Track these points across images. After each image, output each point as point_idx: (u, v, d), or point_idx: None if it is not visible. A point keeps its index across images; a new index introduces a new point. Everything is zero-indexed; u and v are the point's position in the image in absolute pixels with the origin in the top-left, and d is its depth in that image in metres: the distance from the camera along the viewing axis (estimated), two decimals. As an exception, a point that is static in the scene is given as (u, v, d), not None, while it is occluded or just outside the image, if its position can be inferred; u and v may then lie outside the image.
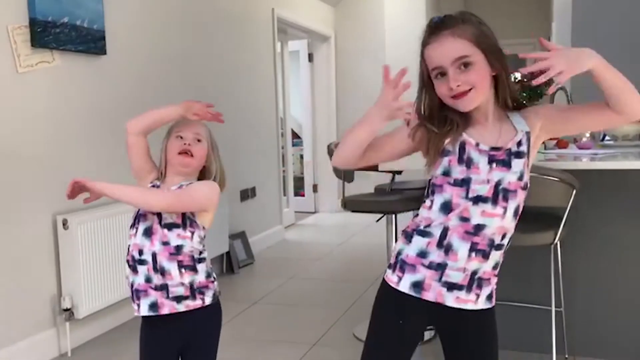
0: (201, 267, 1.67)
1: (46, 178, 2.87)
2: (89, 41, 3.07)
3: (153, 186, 1.69)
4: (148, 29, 3.64)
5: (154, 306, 1.63)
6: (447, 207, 1.37)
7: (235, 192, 4.78)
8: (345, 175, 2.87)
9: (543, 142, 2.91)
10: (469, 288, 1.39)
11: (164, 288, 1.62)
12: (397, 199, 2.86)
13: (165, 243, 1.62)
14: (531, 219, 2.44)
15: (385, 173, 3.20)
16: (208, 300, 1.68)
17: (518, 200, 1.38)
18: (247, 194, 4.97)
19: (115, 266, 3.07)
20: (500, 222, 1.36)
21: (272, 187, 5.53)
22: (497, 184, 1.35)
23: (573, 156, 2.59)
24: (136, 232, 1.64)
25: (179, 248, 1.63)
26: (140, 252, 1.62)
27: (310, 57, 6.98)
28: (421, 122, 1.40)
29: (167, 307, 1.63)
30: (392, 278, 1.43)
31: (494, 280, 1.43)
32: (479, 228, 1.36)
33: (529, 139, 1.39)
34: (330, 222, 6.56)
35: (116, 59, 3.31)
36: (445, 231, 1.37)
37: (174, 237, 1.62)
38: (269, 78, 5.42)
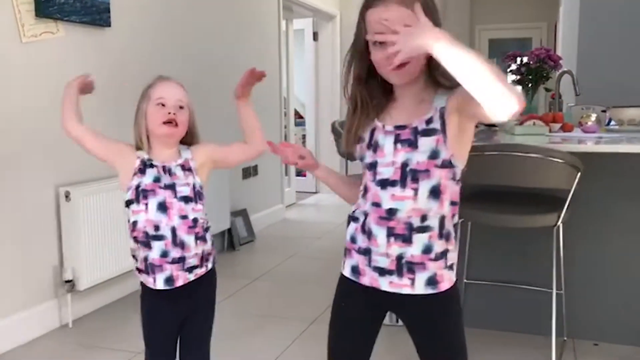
0: (208, 236, 1.70)
1: (49, 149, 2.86)
2: (94, 13, 3.05)
3: (144, 162, 1.63)
4: (153, 2, 3.61)
5: (169, 280, 1.64)
6: (365, 191, 1.37)
7: (237, 170, 4.77)
8: (348, 153, 2.86)
9: (547, 125, 2.92)
10: (399, 273, 1.33)
11: (181, 260, 1.63)
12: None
13: (184, 217, 1.62)
14: (534, 200, 2.44)
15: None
16: (209, 265, 1.72)
17: (434, 180, 1.29)
18: (249, 172, 4.97)
19: (117, 239, 3.07)
20: (412, 204, 1.30)
21: (274, 166, 5.53)
22: (404, 165, 1.29)
23: (578, 139, 2.58)
24: (146, 207, 1.60)
25: (195, 221, 1.65)
26: (157, 228, 1.60)
27: (315, 36, 6.93)
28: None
29: (182, 279, 1.65)
30: (342, 262, 1.45)
31: (434, 265, 1.33)
32: (391, 212, 1.31)
33: (442, 116, 1.27)
34: (331, 202, 6.56)
35: (120, 31, 3.29)
36: (366, 216, 1.35)
37: (191, 211, 1.63)
38: (273, 56, 5.39)
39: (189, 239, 1.63)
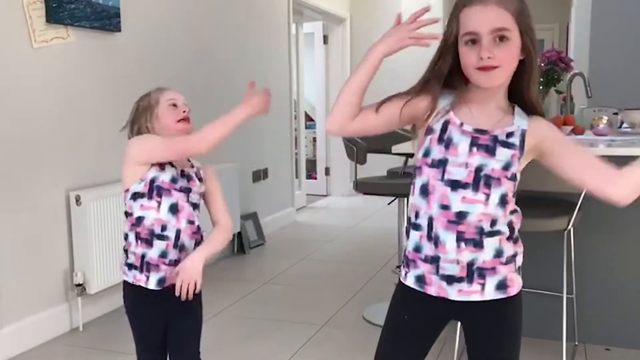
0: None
1: (60, 154, 2.88)
2: (104, 18, 3.07)
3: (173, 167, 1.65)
4: (162, 6, 3.63)
5: (161, 281, 1.65)
6: (425, 191, 1.31)
7: (248, 173, 4.78)
8: (358, 157, 2.86)
9: (559, 128, 2.90)
10: (469, 279, 1.31)
11: (176, 263, 1.64)
12: (409, 182, 2.84)
13: (191, 222, 1.65)
14: (545, 204, 2.42)
15: (399, 156, 3.19)
16: None
17: (504, 189, 1.29)
18: (259, 175, 4.97)
19: (127, 243, 3.09)
20: (483, 208, 1.29)
21: (285, 169, 5.53)
22: (478, 169, 1.28)
23: (589, 142, 2.56)
24: (159, 206, 1.62)
25: (199, 228, 1.69)
26: (163, 228, 1.62)
27: (325, 40, 6.93)
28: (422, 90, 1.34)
29: (170, 280, 1.65)
30: (402, 272, 1.42)
31: (504, 269, 1.33)
32: (461, 215, 1.29)
33: (523, 138, 1.30)
34: (342, 205, 6.56)
35: (130, 36, 3.30)
36: (430, 222, 1.31)
37: (196, 218, 1.67)
38: (283, 60, 5.40)
39: (190, 244, 1.66)
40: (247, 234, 4.53)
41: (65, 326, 2.93)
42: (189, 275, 1.59)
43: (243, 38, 4.62)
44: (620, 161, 2.41)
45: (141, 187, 1.63)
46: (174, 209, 1.63)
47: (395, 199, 2.94)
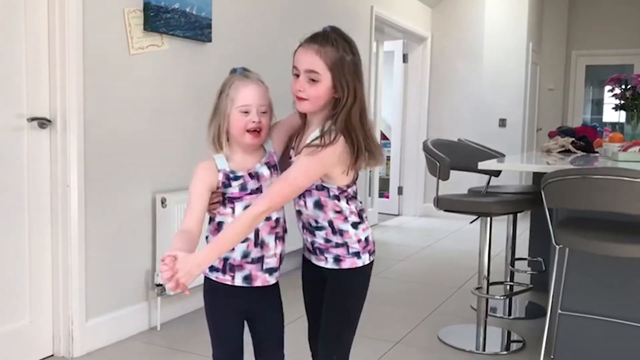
0: (286, 238, 1.71)
1: (148, 157, 2.98)
2: (196, 28, 3.17)
3: (228, 176, 1.61)
4: (250, 18, 3.72)
5: (247, 278, 1.65)
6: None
7: (323, 187, 4.79)
8: (441, 173, 2.81)
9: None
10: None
11: (259, 260, 1.64)
12: (493, 201, 2.76)
13: (268, 218, 1.62)
14: (634, 228, 2.30)
15: (480, 176, 3.11)
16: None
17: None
18: (334, 190, 4.97)
19: (207, 248, 3.14)
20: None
21: (358, 186, 5.50)
22: None
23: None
24: (233, 211, 1.62)
25: (277, 221, 1.66)
26: None
27: (405, 58, 6.91)
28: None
29: (260, 280, 1.66)
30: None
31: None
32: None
33: None
34: (413, 225, 6.47)
35: (220, 46, 3.40)
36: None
37: (274, 212, 1.62)
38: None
39: (269, 239, 1.65)
40: (320, 247, 4.53)
41: (144, 324, 3.01)
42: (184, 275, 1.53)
43: (325, 53, 4.66)
44: None
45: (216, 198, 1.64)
46: None
47: (477, 218, 2.86)
